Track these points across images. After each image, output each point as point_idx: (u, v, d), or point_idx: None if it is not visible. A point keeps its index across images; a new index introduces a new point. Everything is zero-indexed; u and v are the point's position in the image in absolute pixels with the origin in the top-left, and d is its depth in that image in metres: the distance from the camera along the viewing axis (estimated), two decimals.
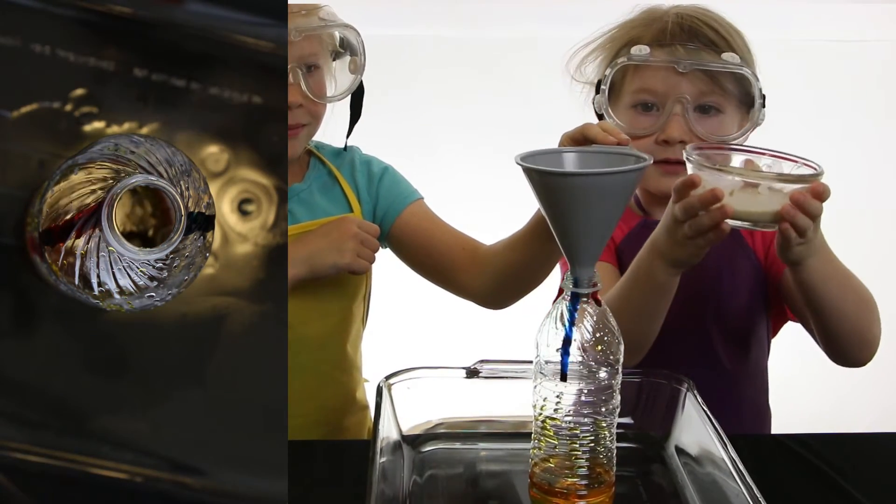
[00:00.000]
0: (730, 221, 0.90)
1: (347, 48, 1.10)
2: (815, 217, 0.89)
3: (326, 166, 1.17)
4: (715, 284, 1.12)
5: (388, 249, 1.19)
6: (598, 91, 1.10)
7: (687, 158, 0.91)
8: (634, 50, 1.06)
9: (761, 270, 1.15)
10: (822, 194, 0.88)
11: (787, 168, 0.95)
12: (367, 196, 1.16)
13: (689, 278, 1.01)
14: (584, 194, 0.74)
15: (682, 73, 1.05)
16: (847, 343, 1.00)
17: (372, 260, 1.09)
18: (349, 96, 1.12)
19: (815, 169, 0.92)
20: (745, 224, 0.91)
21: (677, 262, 0.95)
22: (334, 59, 1.10)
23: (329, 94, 1.10)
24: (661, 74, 1.06)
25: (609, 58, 1.12)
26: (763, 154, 0.96)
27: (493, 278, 1.12)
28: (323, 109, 1.10)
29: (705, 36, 1.07)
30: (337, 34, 1.09)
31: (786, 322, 1.19)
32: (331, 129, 1.15)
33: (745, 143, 1.06)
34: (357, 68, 1.10)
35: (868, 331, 1.00)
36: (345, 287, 1.13)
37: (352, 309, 1.16)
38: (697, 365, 1.12)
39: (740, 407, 1.17)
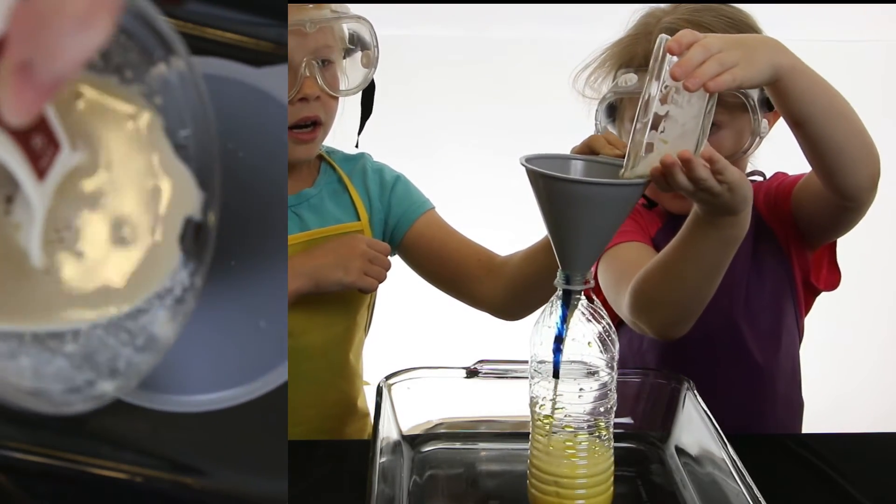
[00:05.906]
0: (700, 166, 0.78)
1: (359, 43, 1.10)
2: (706, 58, 0.76)
3: (337, 172, 1.16)
4: (740, 275, 1.09)
5: (395, 257, 1.18)
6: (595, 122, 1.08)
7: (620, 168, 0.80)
8: (621, 80, 1.04)
9: (778, 243, 1.11)
10: (680, 44, 0.75)
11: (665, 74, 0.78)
12: (380, 205, 1.15)
13: None
14: (584, 202, 0.74)
15: None
16: (848, 159, 0.92)
17: (381, 278, 1.07)
18: (360, 93, 1.12)
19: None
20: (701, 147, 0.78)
21: (720, 210, 0.85)
22: (345, 56, 1.10)
23: (342, 88, 1.09)
24: None
25: (609, 78, 1.08)
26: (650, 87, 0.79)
27: (507, 289, 1.11)
28: (336, 105, 1.10)
29: None
30: (346, 28, 1.09)
31: (818, 295, 1.16)
32: (338, 133, 1.14)
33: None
34: (370, 62, 1.09)
35: (865, 135, 0.93)
36: (349, 298, 1.12)
37: (356, 319, 1.15)
38: (730, 364, 1.10)
39: (775, 402, 1.14)
